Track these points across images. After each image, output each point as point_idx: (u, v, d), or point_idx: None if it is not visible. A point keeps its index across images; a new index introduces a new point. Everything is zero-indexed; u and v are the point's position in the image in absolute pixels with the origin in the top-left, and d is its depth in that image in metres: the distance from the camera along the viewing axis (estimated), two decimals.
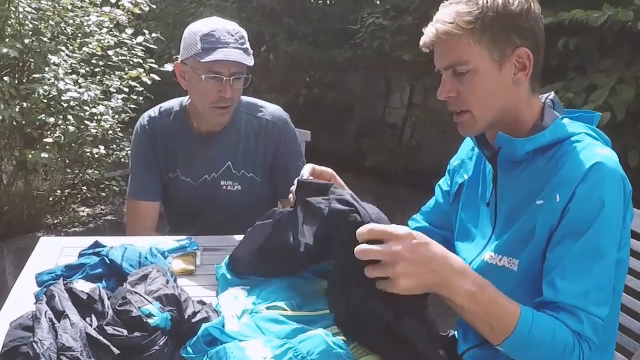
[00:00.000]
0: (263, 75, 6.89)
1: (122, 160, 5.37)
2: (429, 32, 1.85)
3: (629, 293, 2.27)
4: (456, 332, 2.25)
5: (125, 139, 5.30)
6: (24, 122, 4.28)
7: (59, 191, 5.61)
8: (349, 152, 6.95)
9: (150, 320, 1.62)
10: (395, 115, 6.88)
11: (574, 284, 1.68)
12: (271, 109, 2.92)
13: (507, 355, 1.88)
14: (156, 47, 5.18)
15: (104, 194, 6.00)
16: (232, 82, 2.64)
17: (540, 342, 1.64)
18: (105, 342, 1.55)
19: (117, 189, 5.87)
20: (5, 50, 3.99)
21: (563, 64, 4.19)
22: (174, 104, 2.96)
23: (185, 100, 2.91)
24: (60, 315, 1.62)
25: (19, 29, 4.35)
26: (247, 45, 2.69)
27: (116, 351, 1.54)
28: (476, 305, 1.62)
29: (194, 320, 1.71)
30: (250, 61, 2.65)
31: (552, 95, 1.96)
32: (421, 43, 1.88)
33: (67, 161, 5.39)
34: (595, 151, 1.72)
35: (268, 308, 1.85)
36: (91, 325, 1.60)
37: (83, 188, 5.94)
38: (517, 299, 1.69)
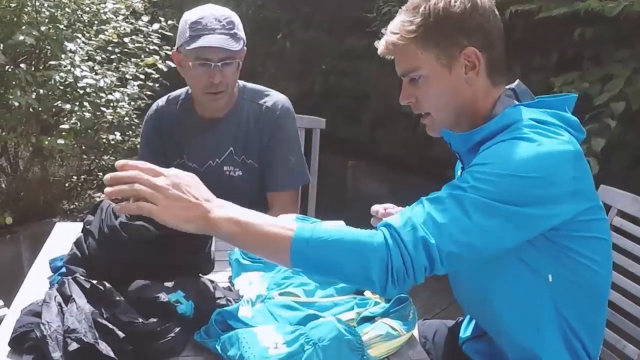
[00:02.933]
0: (279, 63, 6.89)
1: (138, 146, 5.40)
2: (382, 43, 1.88)
3: (636, 281, 2.26)
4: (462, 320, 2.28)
5: (140, 125, 5.32)
6: (40, 109, 4.31)
7: (74, 177, 5.67)
8: (364, 140, 6.94)
9: (177, 306, 1.66)
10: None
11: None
12: (275, 97, 2.92)
13: (502, 346, 1.92)
14: (172, 34, 5.18)
15: None
16: (222, 67, 2.65)
17: (327, 239, 1.56)
18: (110, 326, 1.57)
19: None
20: (21, 38, 4.01)
21: (579, 53, 4.17)
22: (181, 91, 3.00)
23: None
24: (68, 299, 1.65)
25: (35, 16, 4.38)
26: (236, 30, 2.69)
27: (121, 334, 1.56)
28: (240, 228, 1.62)
29: (212, 305, 1.74)
30: (235, 46, 2.64)
31: (514, 84, 1.93)
32: (378, 52, 1.91)
33: (83, 147, 5.44)
34: (518, 141, 1.66)
35: (281, 294, 1.89)
36: (102, 314, 1.62)
37: (99, 174, 5.98)
38: (483, 279, 1.79)
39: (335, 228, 1.61)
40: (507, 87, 1.91)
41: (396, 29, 1.83)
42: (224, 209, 1.66)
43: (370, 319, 1.80)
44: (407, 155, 6.40)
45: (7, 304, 1.90)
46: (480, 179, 1.61)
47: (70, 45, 4.36)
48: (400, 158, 6.45)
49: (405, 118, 6.83)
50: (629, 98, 3.43)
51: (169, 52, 4.95)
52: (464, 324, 2.23)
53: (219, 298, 1.78)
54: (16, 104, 4.09)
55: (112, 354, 1.51)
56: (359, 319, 1.79)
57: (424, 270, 1.53)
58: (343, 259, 1.55)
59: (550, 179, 1.63)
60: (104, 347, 1.51)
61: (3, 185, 5.07)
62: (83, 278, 1.74)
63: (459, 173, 2.15)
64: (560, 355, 1.83)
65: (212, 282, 1.88)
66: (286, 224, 1.61)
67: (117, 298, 1.67)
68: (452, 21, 1.78)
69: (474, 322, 2.16)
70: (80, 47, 4.52)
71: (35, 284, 1.99)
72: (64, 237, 2.30)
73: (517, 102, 1.85)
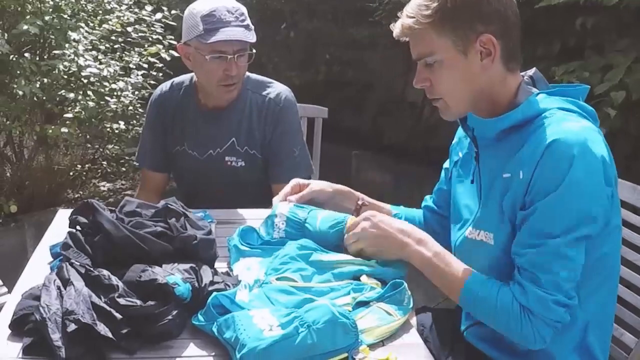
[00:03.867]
0: (283, 53, 6.89)
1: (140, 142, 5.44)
2: (397, 25, 1.90)
3: (635, 271, 2.29)
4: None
5: (144, 115, 5.36)
6: (44, 98, 4.33)
7: (79, 166, 5.70)
8: (368, 129, 6.94)
9: (174, 288, 1.67)
10: (414, 94, 6.86)
11: (526, 250, 1.76)
12: (278, 89, 2.95)
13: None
14: (175, 24, 5.20)
15: (123, 169, 6.08)
16: (236, 59, 2.68)
17: (484, 305, 1.83)
18: (108, 308, 1.60)
19: (137, 164, 5.92)
20: (25, 27, 4.03)
21: (581, 43, 4.18)
22: (185, 78, 3.03)
23: (195, 75, 2.95)
24: (67, 283, 1.67)
25: (39, 5, 4.40)
26: (248, 22, 2.72)
27: (118, 316, 1.59)
28: (429, 270, 1.93)
29: (210, 288, 1.76)
30: (252, 37, 2.68)
31: (532, 71, 1.96)
32: (394, 34, 1.92)
33: (87, 136, 5.47)
34: (561, 126, 1.72)
35: (278, 279, 1.90)
36: (101, 298, 1.64)
37: (103, 163, 6.01)
38: (498, 272, 1.84)
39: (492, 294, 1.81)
40: (524, 74, 1.95)
41: (412, 13, 1.84)
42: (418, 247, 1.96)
43: (365, 304, 1.82)
44: (411, 144, 6.41)
45: (12, 291, 1.93)
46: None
47: (74, 35, 4.37)
48: (403, 147, 6.46)
49: (409, 108, 6.85)
50: (629, 87, 3.44)
51: (173, 42, 4.98)
52: (464, 312, 2.25)
53: (217, 282, 1.80)
54: (20, 93, 4.11)
55: (110, 335, 1.54)
56: (355, 304, 1.80)
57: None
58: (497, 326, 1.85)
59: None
60: (102, 329, 1.54)
61: (8, 174, 5.09)
62: (78, 264, 1.76)
63: (459, 154, 2.18)
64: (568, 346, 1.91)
65: (210, 267, 1.90)
66: (460, 274, 1.88)
67: (115, 283, 1.69)
68: (469, 7, 1.80)
69: None
70: (84, 37, 4.55)
71: (37, 270, 2.01)
72: (66, 224, 2.32)
73: (536, 90, 1.88)
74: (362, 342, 1.65)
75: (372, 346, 1.68)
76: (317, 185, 2.42)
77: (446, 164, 2.33)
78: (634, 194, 2.30)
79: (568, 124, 1.74)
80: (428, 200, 2.45)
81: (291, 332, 1.53)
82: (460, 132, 2.20)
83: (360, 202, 2.39)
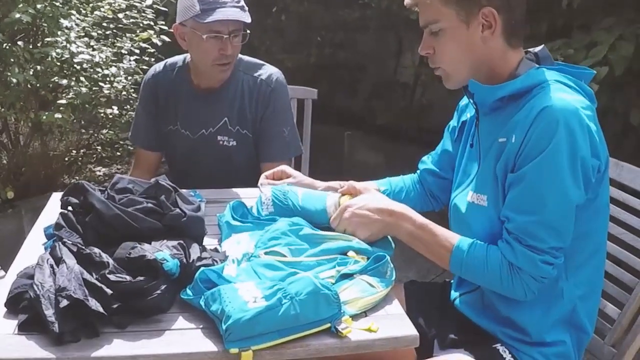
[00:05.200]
0: (275, 36, 6.90)
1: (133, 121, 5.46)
2: None
3: (619, 245, 2.33)
4: (452, 281, 2.34)
5: (137, 99, 5.38)
6: (38, 85, 4.36)
7: (74, 151, 5.73)
8: (360, 111, 6.96)
9: (163, 264, 1.71)
10: (406, 74, 6.89)
11: (516, 217, 1.84)
12: (270, 71, 3.00)
13: (491, 299, 2.01)
14: (166, 9, 5.22)
15: (118, 153, 6.10)
16: (231, 39, 2.74)
17: (475, 268, 1.92)
18: (99, 284, 1.64)
19: (131, 148, 5.96)
20: (18, 16, 4.04)
21: (568, 22, 4.21)
22: (178, 59, 3.08)
23: (188, 56, 3.01)
24: (59, 261, 1.71)
25: None
26: (243, 3, 2.78)
27: (109, 291, 1.62)
28: (416, 242, 2.02)
29: (198, 264, 1.80)
30: (247, 18, 2.74)
31: (539, 48, 2.03)
32: (405, 3, 2.02)
33: (82, 122, 5.49)
34: (555, 95, 1.80)
35: (267, 253, 1.93)
36: (92, 275, 1.68)
37: (98, 148, 6.04)
38: (491, 234, 1.91)
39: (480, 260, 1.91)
40: (530, 50, 2.02)
41: None
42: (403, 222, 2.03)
43: (349, 276, 1.85)
44: (403, 125, 6.44)
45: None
46: None
47: (66, 22, 4.39)
48: (396, 128, 6.49)
49: (402, 88, 6.87)
50: (612, 64, 3.47)
51: (164, 27, 5.00)
52: (454, 284, 2.30)
53: (205, 258, 1.84)
54: (14, 80, 4.14)
55: (101, 310, 1.57)
56: (339, 276, 1.84)
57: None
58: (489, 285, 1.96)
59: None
60: (93, 304, 1.57)
61: (4, 161, 5.12)
62: (70, 242, 1.81)
63: (467, 116, 2.25)
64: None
65: (199, 243, 1.95)
66: (447, 242, 1.97)
67: (106, 260, 1.73)
68: None
69: (465, 280, 2.24)
70: (76, 24, 4.56)
71: (32, 251, 2.04)
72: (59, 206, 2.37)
73: (535, 65, 1.96)
74: (345, 312, 1.69)
75: (354, 317, 1.72)
76: (304, 180, 2.47)
77: (451, 123, 2.38)
78: (616, 170, 2.33)
79: (563, 94, 1.81)
80: (427, 163, 2.48)
81: (275, 304, 1.57)
82: None
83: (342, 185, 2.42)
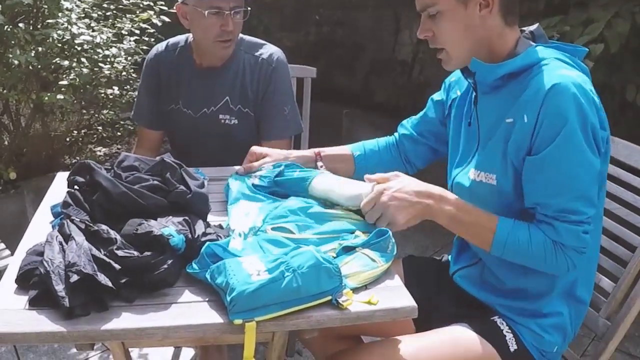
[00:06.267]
0: (273, 15, 6.91)
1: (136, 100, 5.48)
2: None
3: (614, 220, 2.36)
4: (449, 257, 2.39)
5: (138, 80, 5.39)
6: (39, 66, 4.36)
7: (75, 132, 5.74)
8: (358, 88, 6.98)
9: (169, 239, 1.74)
10: (404, 52, 6.91)
11: (550, 201, 1.87)
12: (271, 50, 3.03)
13: (491, 271, 2.06)
14: None
15: (119, 133, 6.12)
16: (232, 15, 2.77)
17: (519, 247, 1.91)
18: (107, 260, 1.67)
19: (132, 128, 5.99)
20: None
21: (565, 0, 4.24)
22: (180, 38, 3.11)
23: (190, 36, 3.04)
24: (68, 238, 1.75)
25: None
26: None
27: (117, 267, 1.66)
28: (457, 225, 1.98)
29: (203, 239, 1.83)
30: None
31: (534, 27, 2.06)
32: None
33: (83, 102, 5.50)
34: (558, 72, 1.84)
35: (274, 229, 1.96)
36: (100, 251, 1.71)
37: (98, 128, 6.05)
38: (501, 210, 1.95)
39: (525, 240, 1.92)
40: (526, 29, 2.05)
41: None
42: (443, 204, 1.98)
43: (351, 249, 1.88)
44: (401, 102, 6.46)
45: (15, 251, 2.00)
46: None
47: (66, 4, 4.39)
48: (394, 105, 6.51)
49: (400, 66, 6.89)
50: (608, 41, 3.51)
51: (163, 8, 5.01)
52: (452, 258, 2.35)
53: (210, 234, 1.87)
54: (16, 62, 4.14)
55: (110, 284, 1.61)
56: (340, 249, 1.87)
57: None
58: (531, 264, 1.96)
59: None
60: (102, 278, 1.60)
61: (6, 142, 5.13)
62: (78, 220, 1.84)
63: (457, 93, 2.28)
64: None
65: (203, 220, 1.98)
66: (490, 223, 1.94)
67: (113, 236, 1.76)
68: None
69: (464, 254, 2.28)
70: (77, 5, 4.57)
71: (39, 229, 2.07)
72: (65, 186, 2.40)
73: (532, 43, 2.00)
74: (346, 285, 1.72)
75: (355, 290, 1.75)
76: (274, 155, 2.45)
77: (437, 96, 2.41)
78: (611, 146, 2.37)
79: (565, 70, 1.86)
80: (407, 128, 2.51)
81: (277, 277, 1.60)
82: (459, 71, 2.25)
83: (317, 152, 2.47)
